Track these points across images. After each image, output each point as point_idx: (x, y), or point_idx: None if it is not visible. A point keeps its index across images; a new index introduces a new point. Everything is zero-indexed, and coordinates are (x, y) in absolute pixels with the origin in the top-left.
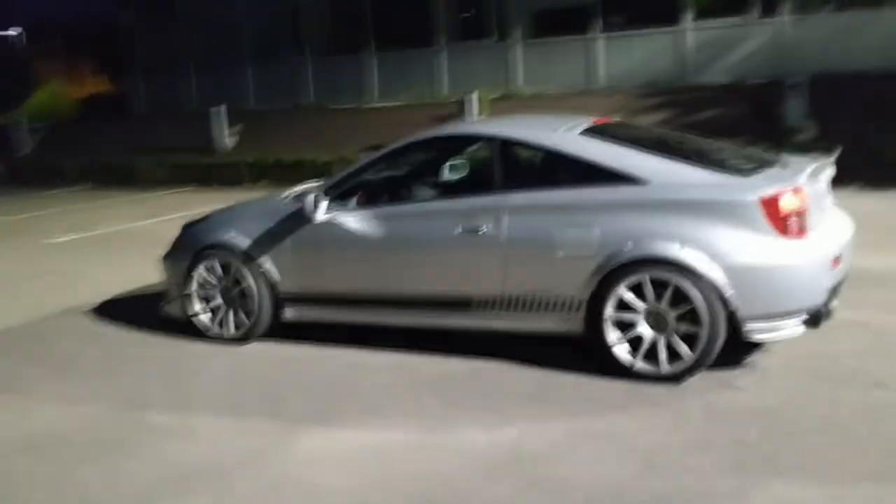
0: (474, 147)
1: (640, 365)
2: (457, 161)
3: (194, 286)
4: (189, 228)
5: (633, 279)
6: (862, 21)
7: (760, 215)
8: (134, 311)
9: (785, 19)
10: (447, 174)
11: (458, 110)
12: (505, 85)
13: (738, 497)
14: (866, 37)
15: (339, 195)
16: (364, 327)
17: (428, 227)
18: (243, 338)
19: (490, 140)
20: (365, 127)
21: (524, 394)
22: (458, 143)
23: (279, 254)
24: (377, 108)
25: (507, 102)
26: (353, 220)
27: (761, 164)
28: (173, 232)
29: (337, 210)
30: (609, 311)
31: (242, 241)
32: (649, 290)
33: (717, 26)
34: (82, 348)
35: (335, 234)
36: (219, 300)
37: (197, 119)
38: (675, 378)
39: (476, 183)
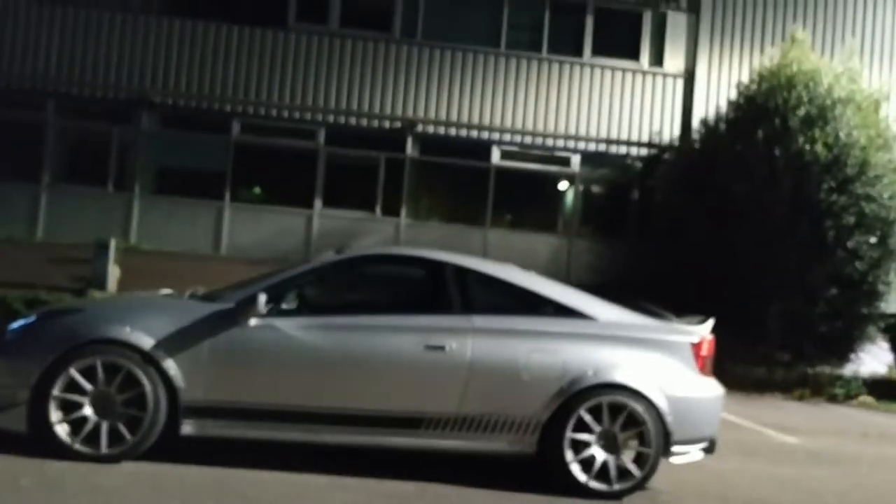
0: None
1: (594, 483)
2: None
3: (56, 390)
4: (53, 318)
5: (592, 402)
6: (463, 234)
7: (690, 355)
8: None
9: (402, 221)
10: None
11: (93, 256)
12: (120, 237)
13: None
14: (470, 246)
15: (274, 300)
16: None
17: (384, 340)
18: (118, 457)
19: (443, 266)
20: None
21: None
22: (406, 264)
23: (190, 357)
24: None
25: (134, 256)
26: (295, 327)
27: (663, 315)
28: None
29: (274, 315)
30: (569, 432)
31: (142, 340)
32: (606, 414)
33: (345, 217)
34: None
35: (270, 340)
36: (87, 410)
37: None
38: (618, 495)
39: (432, 302)
